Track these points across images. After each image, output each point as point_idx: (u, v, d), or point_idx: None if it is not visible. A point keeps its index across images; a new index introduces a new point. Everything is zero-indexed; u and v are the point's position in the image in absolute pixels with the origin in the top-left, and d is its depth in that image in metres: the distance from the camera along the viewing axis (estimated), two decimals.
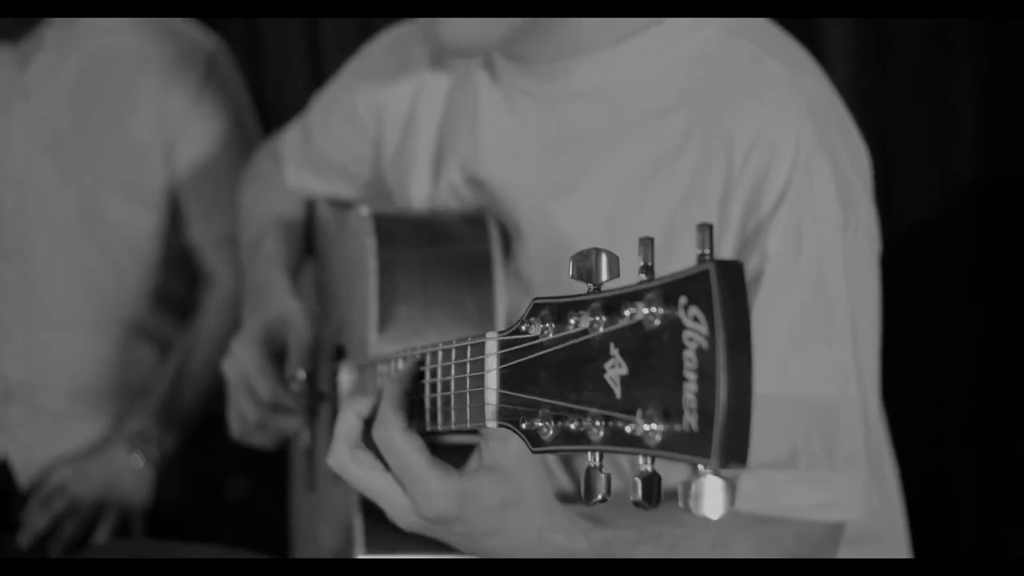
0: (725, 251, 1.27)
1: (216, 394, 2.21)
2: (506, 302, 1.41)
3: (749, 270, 1.25)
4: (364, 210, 1.46)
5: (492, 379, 0.96)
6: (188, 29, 2.38)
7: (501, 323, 1.39)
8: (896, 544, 1.51)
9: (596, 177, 1.35)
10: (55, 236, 2.30)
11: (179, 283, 2.41)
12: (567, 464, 1.46)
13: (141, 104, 2.29)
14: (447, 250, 1.42)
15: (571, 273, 0.89)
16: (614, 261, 0.89)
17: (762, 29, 1.36)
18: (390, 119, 1.59)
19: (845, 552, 1.36)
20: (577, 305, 0.86)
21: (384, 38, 1.66)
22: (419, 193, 1.54)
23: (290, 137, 1.82)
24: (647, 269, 0.84)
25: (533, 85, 1.38)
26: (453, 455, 1.12)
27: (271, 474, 2.16)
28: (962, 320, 2.30)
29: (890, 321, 1.39)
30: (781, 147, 1.25)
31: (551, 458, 1.44)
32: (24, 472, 2.29)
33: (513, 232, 1.43)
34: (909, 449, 1.63)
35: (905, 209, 2.24)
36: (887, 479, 1.49)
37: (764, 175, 1.26)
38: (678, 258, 1.29)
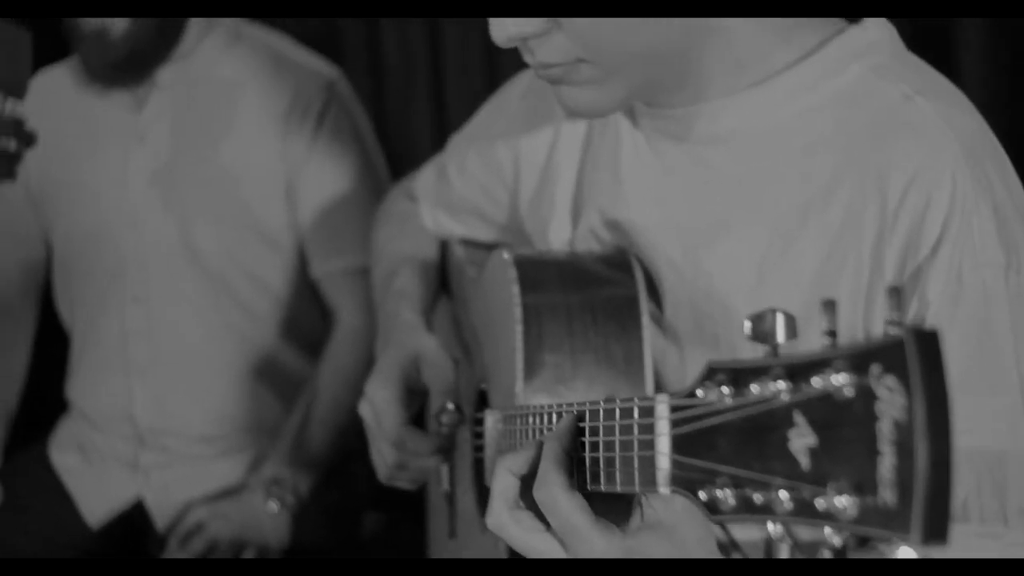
0: (881, 295, 1.24)
1: (348, 430, 2.22)
2: (651, 348, 1.39)
3: (909, 317, 1.21)
4: (506, 254, 1.44)
5: (664, 443, 0.94)
6: (307, 60, 2.39)
7: (649, 370, 1.36)
8: None
9: (745, 221, 1.32)
10: (180, 278, 2.32)
11: (312, 318, 2.42)
12: None
13: (258, 139, 2.30)
14: (592, 294, 1.40)
15: (747, 334, 0.87)
16: (792, 322, 0.86)
17: (909, 65, 1.32)
18: (527, 165, 1.57)
19: None
20: (757, 371, 0.84)
21: (519, 82, 1.64)
22: (558, 238, 1.52)
23: (425, 177, 1.81)
24: (831, 334, 0.81)
25: (674, 128, 1.35)
26: (609, 505, 1.10)
27: (407, 507, 2.15)
28: None
29: None
30: (937, 189, 1.21)
31: None
32: (160, 514, 2.32)
33: (655, 277, 1.41)
34: None
35: None
36: None
37: (921, 218, 1.21)
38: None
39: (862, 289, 1.25)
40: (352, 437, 2.13)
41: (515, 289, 1.39)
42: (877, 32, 1.31)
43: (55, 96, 2.35)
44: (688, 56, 1.28)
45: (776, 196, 1.30)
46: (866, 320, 1.24)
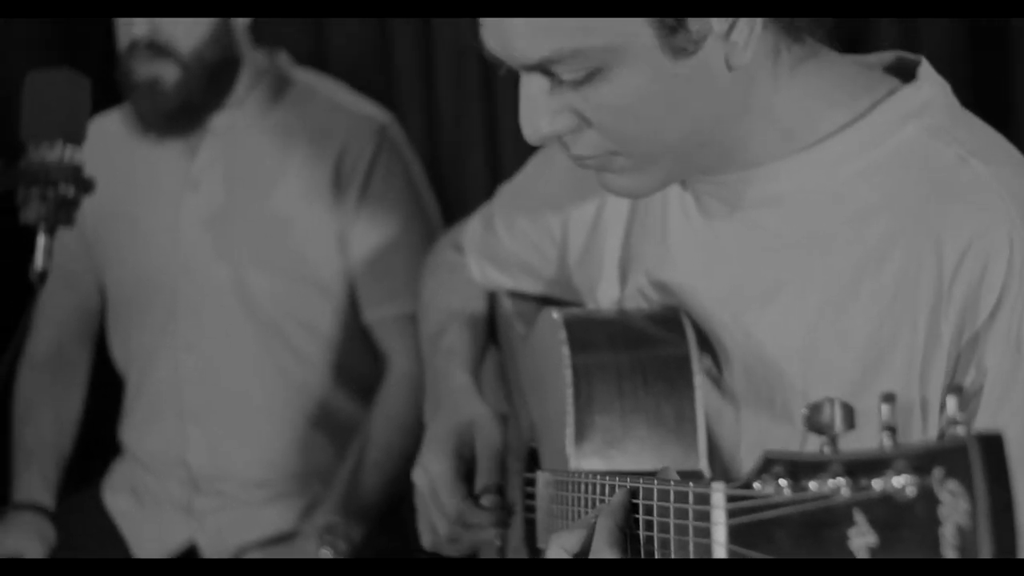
0: (939, 363, 1.21)
1: (401, 476, 2.21)
2: (706, 407, 1.37)
3: (966, 385, 1.19)
4: (555, 314, 1.43)
5: (720, 533, 0.93)
6: (358, 104, 2.39)
7: (702, 430, 1.35)
8: None
9: (796, 286, 1.30)
10: (232, 324, 2.34)
11: (364, 363, 2.42)
12: None
13: (309, 186, 2.31)
14: (642, 354, 1.38)
15: (804, 426, 0.85)
16: (849, 413, 0.85)
17: (964, 124, 1.29)
18: (575, 224, 1.56)
19: None
20: (816, 466, 0.82)
21: None
22: (606, 297, 1.51)
23: (472, 229, 1.81)
24: (891, 430, 0.79)
25: (725, 193, 1.34)
26: None
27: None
28: None
29: None
30: (994, 254, 1.19)
31: None
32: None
33: (710, 336, 1.39)
34: None
35: None
36: None
37: (978, 283, 1.19)
38: (887, 371, 1.24)
39: (918, 355, 1.22)
40: (405, 483, 2.11)
41: (565, 350, 1.38)
42: (931, 91, 1.28)
43: (108, 142, 2.36)
44: (726, 138, 1.27)
45: (828, 260, 1.28)
46: (922, 387, 1.22)
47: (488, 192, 2.70)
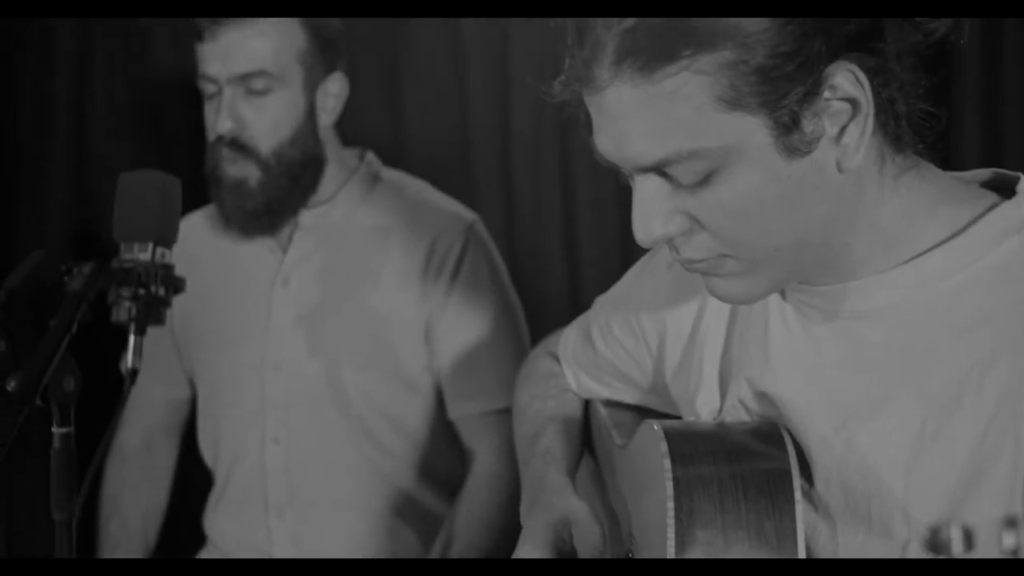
0: None
1: None
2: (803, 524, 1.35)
3: None
4: (656, 426, 1.43)
5: None
6: (446, 202, 2.42)
7: (802, 549, 1.33)
8: None
9: (899, 398, 1.30)
10: (320, 419, 2.36)
11: (449, 459, 2.41)
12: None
13: (401, 283, 2.33)
14: (743, 468, 1.38)
15: (924, 547, 0.84)
16: (969, 536, 0.83)
17: None
18: (672, 335, 1.56)
19: None
20: None
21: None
22: (705, 407, 1.50)
23: (568, 339, 1.81)
24: (1014, 553, 0.78)
25: (825, 304, 1.35)
26: None
27: None
28: None
29: None
30: None
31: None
32: None
33: (804, 450, 1.38)
34: None
35: None
36: None
37: None
38: (989, 485, 1.23)
39: (1021, 469, 1.22)
40: None
41: (666, 463, 1.37)
42: None
43: (196, 241, 2.40)
44: (834, 243, 1.28)
45: (931, 373, 1.28)
46: None
47: (566, 287, 2.72)
